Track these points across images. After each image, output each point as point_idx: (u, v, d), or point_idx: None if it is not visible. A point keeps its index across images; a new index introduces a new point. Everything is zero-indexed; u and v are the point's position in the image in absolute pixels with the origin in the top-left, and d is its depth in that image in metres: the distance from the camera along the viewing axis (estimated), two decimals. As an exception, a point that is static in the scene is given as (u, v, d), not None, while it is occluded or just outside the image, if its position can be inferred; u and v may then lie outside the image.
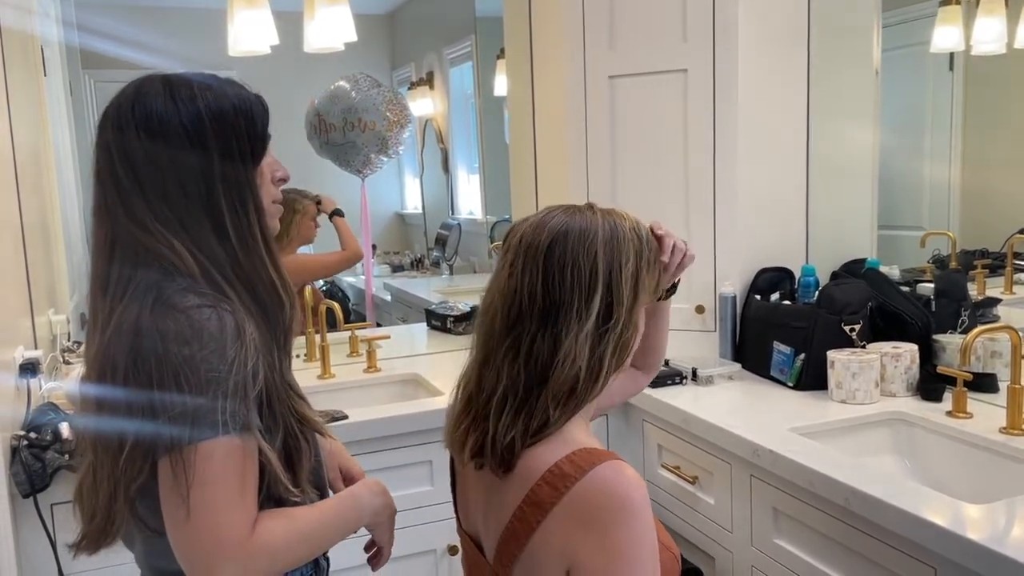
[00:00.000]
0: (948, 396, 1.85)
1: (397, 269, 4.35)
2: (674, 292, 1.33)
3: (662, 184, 2.35)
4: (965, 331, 1.99)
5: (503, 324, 1.04)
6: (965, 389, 1.79)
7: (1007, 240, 2.18)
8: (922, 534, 1.33)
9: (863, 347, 2.02)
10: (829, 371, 1.98)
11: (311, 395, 1.19)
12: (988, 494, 1.49)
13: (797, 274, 2.28)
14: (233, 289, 1.01)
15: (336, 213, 2.98)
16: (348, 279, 4.13)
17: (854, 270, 2.28)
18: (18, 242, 1.98)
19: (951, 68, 2.32)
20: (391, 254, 4.47)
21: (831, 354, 1.98)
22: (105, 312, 1.00)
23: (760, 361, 2.21)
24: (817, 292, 2.15)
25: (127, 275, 1.00)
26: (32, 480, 1.65)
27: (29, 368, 1.81)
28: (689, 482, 1.97)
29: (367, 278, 3.69)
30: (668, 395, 2.07)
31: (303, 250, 3.04)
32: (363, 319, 3.55)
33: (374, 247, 4.09)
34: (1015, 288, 2.18)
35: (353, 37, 2.68)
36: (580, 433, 1.04)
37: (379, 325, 3.53)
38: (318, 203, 2.90)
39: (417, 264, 4.36)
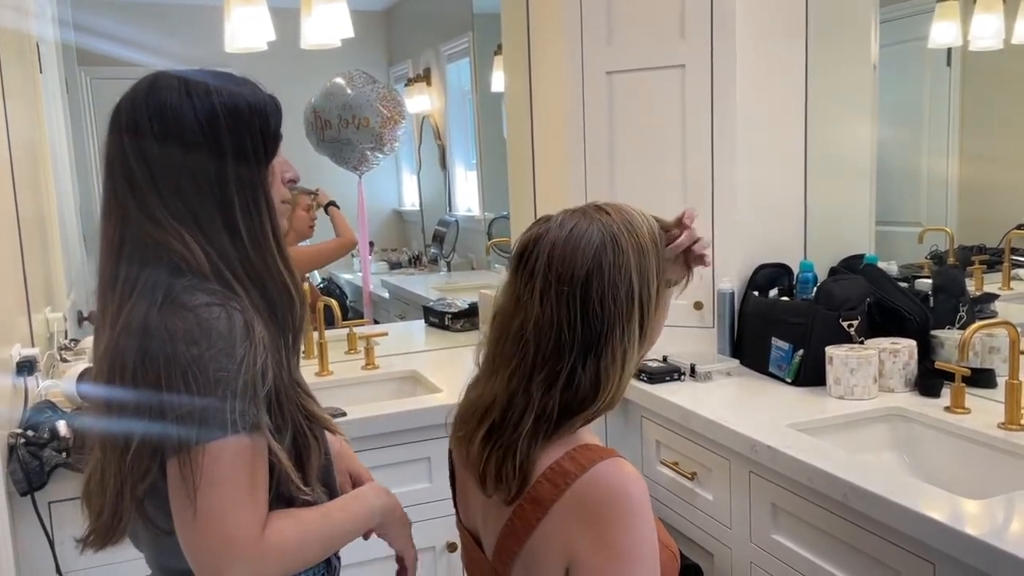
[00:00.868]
0: (946, 392, 1.85)
1: (395, 266, 4.35)
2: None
3: (660, 179, 2.35)
4: (963, 327, 1.99)
5: (540, 357, 1.01)
6: (963, 385, 1.79)
7: (1005, 236, 2.18)
8: (921, 530, 1.33)
9: (861, 343, 2.02)
10: (827, 367, 1.98)
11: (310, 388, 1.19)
12: (986, 489, 1.48)
13: (795, 270, 2.28)
14: (243, 286, 1.01)
15: (331, 204, 3.01)
16: (346, 276, 4.13)
17: (852, 266, 2.28)
18: (14, 240, 1.97)
19: (949, 64, 2.32)
20: (389, 251, 4.47)
21: (829, 350, 1.98)
22: (113, 309, 0.99)
23: (758, 357, 2.21)
24: (815, 288, 2.15)
25: (136, 271, 0.99)
26: (30, 478, 1.65)
27: (26, 366, 1.81)
28: (688, 478, 1.97)
29: (364, 275, 3.69)
30: (666, 391, 2.07)
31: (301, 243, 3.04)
32: (361, 316, 3.55)
33: (372, 244, 4.09)
34: (1013, 284, 2.18)
35: (350, 33, 2.67)
36: (581, 430, 1.03)
37: (377, 322, 3.53)
38: (314, 195, 2.92)
39: (415, 261, 4.36)
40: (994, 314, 2.06)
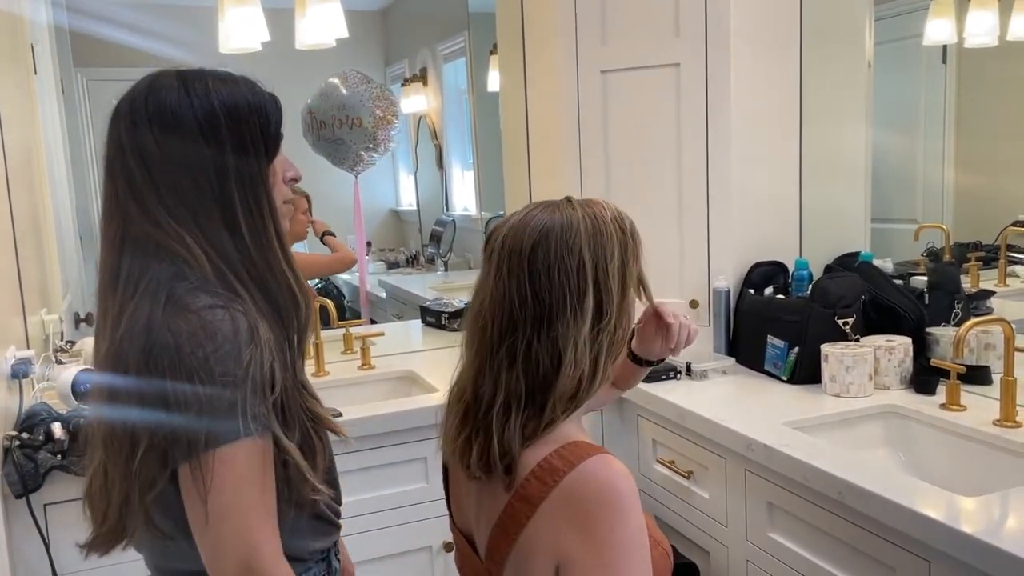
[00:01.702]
0: (942, 389, 1.85)
1: (392, 266, 4.34)
2: (663, 361, 1.38)
3: (655, 178, 2.35)
4: (958, 324, 1.99)
5: (496, 332, 1.03)
6: (958, 382, 1.79)
7: (1001, 232, 2.18)
8: (916, 527, 1.33)
9: (857, 340, 2.02)
10: (823, 365, 1.98)
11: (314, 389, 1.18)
12: (982, 487, 1.49)
13: (791, 268, 2.28)
14: (246, 289, 1.00)
15: (327, 234, 3.03)
16: (343, 276, 4.12)
17: (848, 263, 2.28)
18: (8, 242, 1.97)
19: (944, 61, 2.32)
20: (386, 251, 4.46)
21: (825, 348, 1.98)
22: (115, 310, 0.98)
23: (754, 355, 2.21)
24: (811, 286, 2.15)
25: (137, 272, 0.98)
26: (25, 480, 1.65)
27: (21, 368, 1.81)
28: (684, 477, 1.97)
29: (361, 275, 3.68)
30: (662, 390, 2.07)
31: (297, 248, 3.04)
32: (359, 316, 3.54)
33: (369, 244, 4.09)
34: (1009, 280, 2.18)
35: (345, 33, 2.67)
36: (570, 427, 1.03)
37: (374, 322, 3.52)
38: (308, 205, 2.93)
39: (412, 261, 4.35)
40: (990, 311, 2.06)
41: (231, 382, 0.93)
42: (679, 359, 2.18)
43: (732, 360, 2.25)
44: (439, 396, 2.21)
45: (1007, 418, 1.67)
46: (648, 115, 2.34)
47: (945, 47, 2.30)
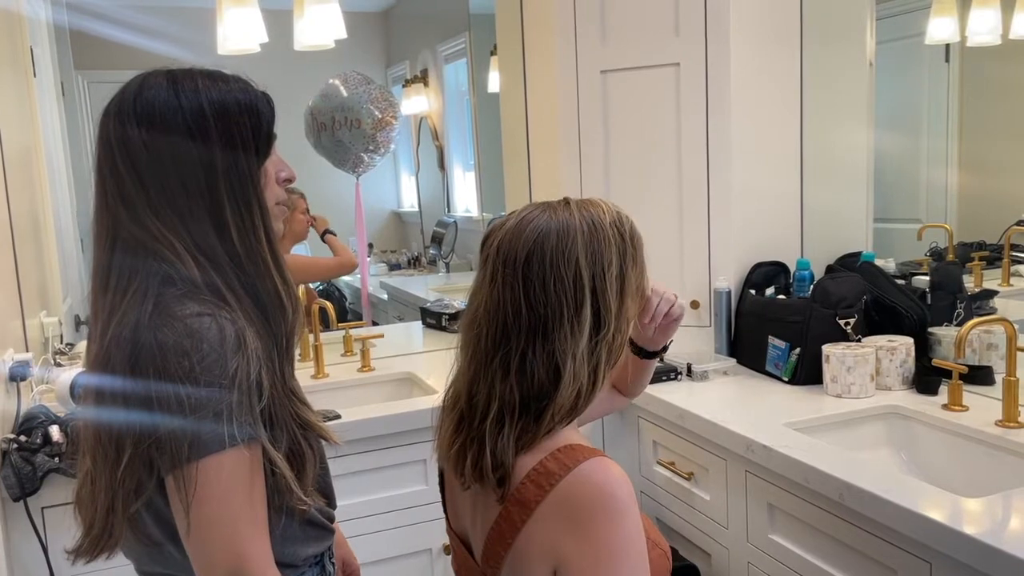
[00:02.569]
0: (944, 389, 1.84)
1: (394, 267, 4.34)
2: (665, 351, 1.33)
3: (655, 178, 2.34)
4: (961, 324, 1.98)
5: (490, 340, 1.01)
6: (961, 382, 1.77)
7: (1005, 232, 2.17)
8: (917, 528, 1.32)
9: (858, 341, 2.01)
10: (824, 365, 1.97)
11: (305, 395, 1.17)
12: (984, 488, 1.47)
13: (792, 268, 2.26)
14: (234, 294, 0.98)
15: (328, 232, 3.01)
16: (345, 278, 4.12)
17: (849, 264, 2.27)
18: (7, 244, 1.97)
19: (947, 59, 2.31)
20: (388, 252, 4.46)
21: (826, 348, 1.97)
22: (105, 313, 0.98)
23: (755, 356, 2.19)
24: (812, 286, 2.13)
25: (127, 275, 0.97)
26: (22, 483, 1.64)
27: (19, 371, 1.80)
28: (684, 478, 1.96)
29: (363, 277, 3.68)
30: (663, 391, 2.06)
31: (297, 248, 3.03)
32: (360, 318, 3.54)
33: (371, 246, 4.09)
34: (1012, 280, 2.17)
35: (343, 34, 2.66)
36: (566, 431, 1.02)
37: (376, 324, 3.52)
38: (307, 211, 2.93)
39: (414, 262, 4.35)
40: (993, 311, 2.05)
41: (217, 391, 0.91)
42: (680, 359, 2.17)
43: (733, 361, 2.24)
44: (438, 398, 2.21)
45: (1009, 419, 1.66)
46: (648, 115, 2.33)
47: (948, 46, 2.28)
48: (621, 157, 2.39)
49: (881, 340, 1.99)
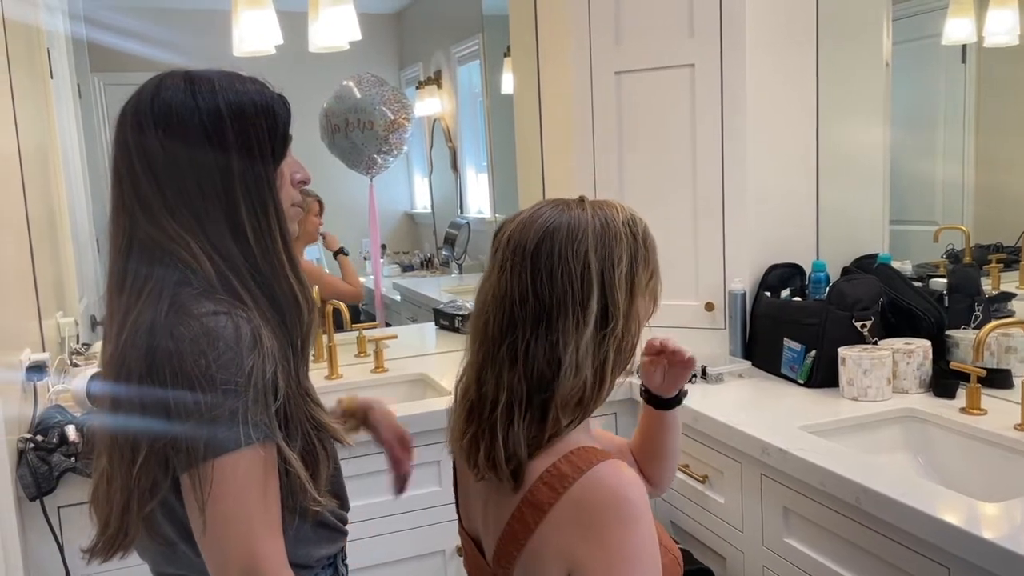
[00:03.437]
0: (962, 393, 1.82)
1: (407, 269, 4.35)
2: (679, 402, 1.28)
3: (670, 180, 2.33)
4: (979, 326, 1.96)
5: (497, 329, 1.01)
6: (979, 385, 1.76)
7: (1022, 234, 2.15)
8: (935, 533, 1.30)
9: (875, 343, 2.00)
10: (840, 368, 1.95)
11: (319, 396, 1.17)
12: (1002, 492, 1.46)
13: (808, 270, 2.25)
14: (250, 294, 0.99)
15: (340, 251, 3.05)
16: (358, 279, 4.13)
17: (865, 266, 2.26)
18: (24, 245, 1.98)
19: (964, 60, 2.29)
20: (400, 254, 4.47)
21: (842, 351, 1.95)
22: (121, 313, 0.98)
23: (771, 358, 2.18)
24: (828, 288, 2.12)
25: (143, 275, 0.98)
26: (39, 483, 1.65)
27: (36, 370, 1.81)
28: (699, 481, 1.95)
29: (376, 278, 3.69)
30: (677, 393, 2.05)
31: (310, 250, 3.04)
32: (374, 319, 3.55)
33: (384, 247, 4.10)
34: (1030, 282, 2.15)
35: (358, 36, 2.67)
36: (578, 434, 1.02)
37: (388, 325, 3.52)
38: (320, 206, 2.94)
39: (427, 263, 4.35)
40: (1011, 313, 2.03)
41: (232, 390, 0.92)
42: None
43: (748, 363, 2.23)
44: (451, 399, 2.21)
45: (1029, 422, 1.64)
46: (663, 116, 2.32)
47: (964, 47, 2.27)
48: (635, 158, 2.39)
49: (898, 343, 1.97)
